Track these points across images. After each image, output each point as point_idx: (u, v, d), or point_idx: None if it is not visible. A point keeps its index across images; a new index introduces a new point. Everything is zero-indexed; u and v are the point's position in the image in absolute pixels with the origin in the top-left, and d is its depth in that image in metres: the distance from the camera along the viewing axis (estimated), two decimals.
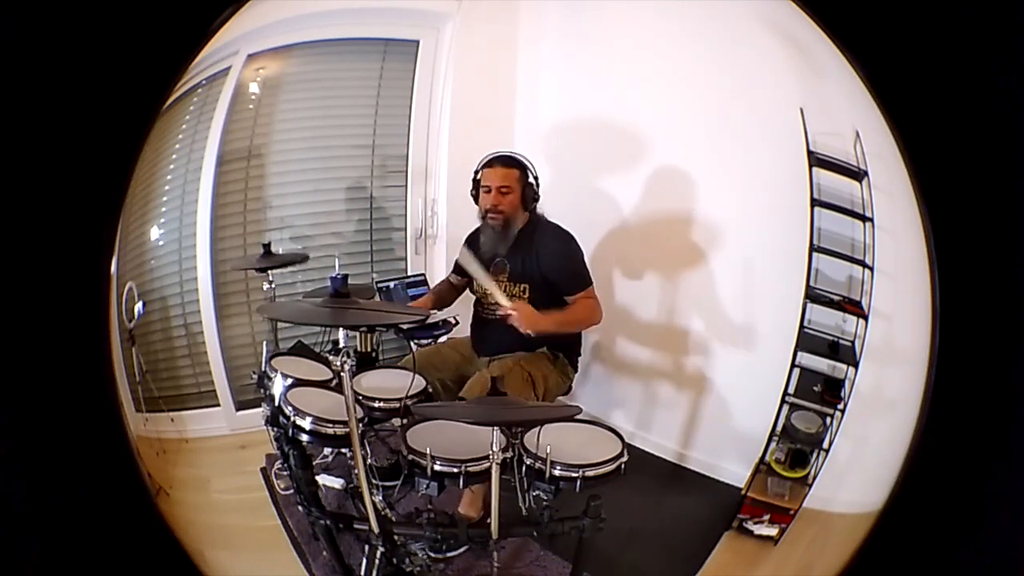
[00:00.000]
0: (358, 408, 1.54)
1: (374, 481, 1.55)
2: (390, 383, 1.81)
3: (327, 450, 1.78)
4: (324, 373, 1.80)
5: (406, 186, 2.36)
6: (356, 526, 1.54)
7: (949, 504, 1.25)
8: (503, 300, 1.91)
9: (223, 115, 2.01)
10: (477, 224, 2.10)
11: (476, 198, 2.05)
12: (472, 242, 2.11)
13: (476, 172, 2.04)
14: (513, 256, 2.01)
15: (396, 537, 1.52)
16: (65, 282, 1.16)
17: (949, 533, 1.25)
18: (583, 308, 1.98)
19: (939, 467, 1.27)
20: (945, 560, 1.25)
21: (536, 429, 1.53)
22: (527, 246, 2.00)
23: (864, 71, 1.28)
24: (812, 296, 1.74)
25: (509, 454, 1.48)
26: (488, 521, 1.46)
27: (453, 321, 2.23)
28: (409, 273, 2.40)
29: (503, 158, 1.99)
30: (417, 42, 2.30)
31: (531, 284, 1.99)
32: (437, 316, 2.24)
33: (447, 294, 2.21)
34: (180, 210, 1.97)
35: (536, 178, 2.01)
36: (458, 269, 2.18)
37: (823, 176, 1.71)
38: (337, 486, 1.69)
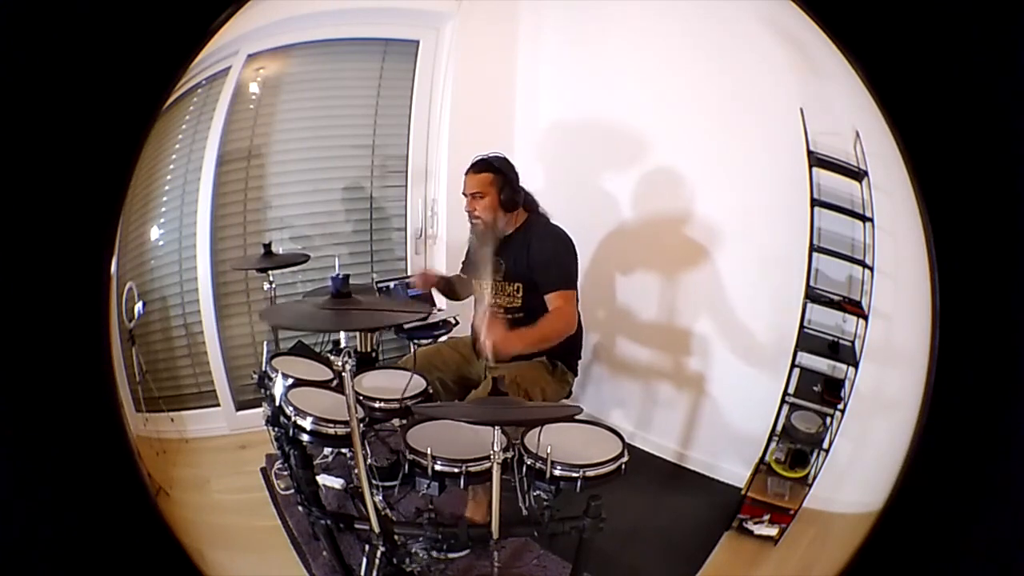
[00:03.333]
0: (359, 408, 1.54)
1: (374, 481, 1.55)
2: (390, 383, 1.81)
3: (327, 450, 1.78)
4: (325, 373, 1.80)
5: (406, 186, 2.36)
6: (356, 526, 1.54)
7: (949, 504, 1.25)
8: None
9: (223, 115, 2.01)
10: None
11: None
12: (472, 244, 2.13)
13: None
14: (508, 255, 2.01)
15: (396, 537, 1.52)
16: (65, 282, 1.16)
17: (949, 533, 1.25)
18: (555, 318, 1.94)
19: (939, 467, 1.27)
20: (945, 560, 1.25)
21: (536, 429, 1.53)
22: (521, 245, 2.01)
23: (864, 71, 1.28)
24: (812, 296, 1.74)
25: (510, 454, 1.48)
26: (489, 521, 1.46)
27: (453, 321, 2.23)
28: (409, 273, 2.40)
29: (476, 164, 2.00)
30: (417, 42, 2.30)
31: (524, 283, 1.99)
32: (437, 316, 2.24)
33: (458, 285, 2.20)
34: (180, 210, 1.97)
35: (517, 178, 2.01)
36: (465, 268, 2.18)
37: (823, 176, 1.71)
38: (337, 486, 1.69)
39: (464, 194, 2.02)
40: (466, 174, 2.02)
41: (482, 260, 2.05)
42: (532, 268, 1.97)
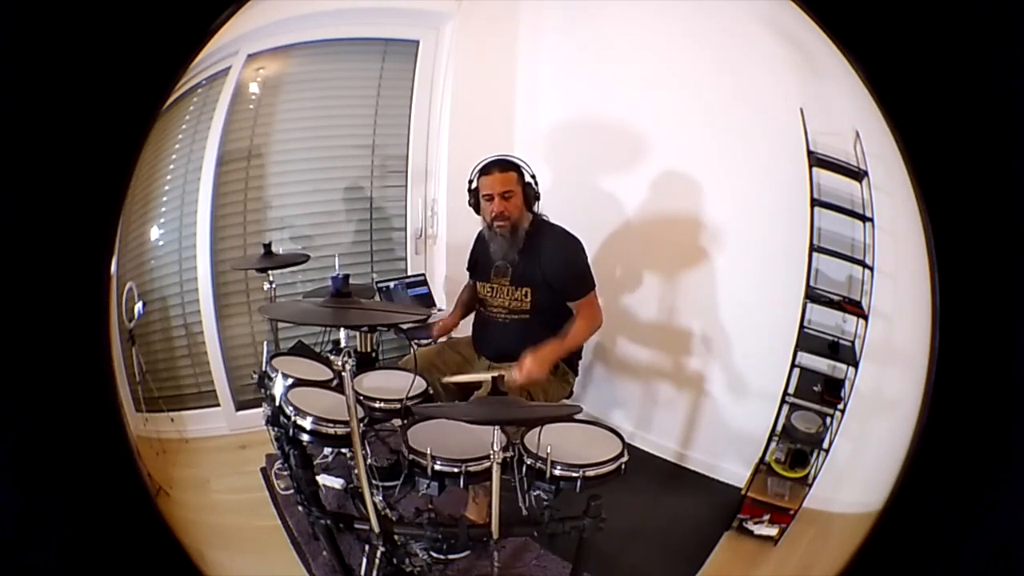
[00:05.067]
0: (359, 408, 1.55)
1: (374, 481, 1.55)
2: (390, 383, 1.81)
3: (327, 450, 1.78)
4: (325, 373, 1.80)
5: (406, 186, 2.37)
6: (356, 526, 1.54)
7: (949, 504, 1.25)
8: (510, 375, 1.76)
9: (223, 115, 2.01)
10: (478, 227, 2.09)
11: (476, 207, 2.02)
12: (482, 246, 2.09)
13: (471, 181, 2.00)
14: (517, 259, 1.99)
15: (396, 537, 1.52)
16: (65, 282, 1.16)
17: (949, 533, 1.25)
18: (584, 320, 1.95)
19: (939, 467, 1.27)
20: (945, 560, 1.25)
21: (536, 429, 1.53)
22: (531, 249, 1.98)
23: (864, 71, 1.28)
24: (812, 296, 1.74)
25: (509, 454, 1.48)
26: (489, 521, 1.46)
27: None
28: (409, 273, 2.40)
29: (499, 163, 1.95)
30: (417, 42, 2.30)
31: (533, 288, 1.97)
32: (437, 317, 2.24)
33: (472, 300, 2.15)
34: (180, 210, 1.97)
35: (533, 176, 1.99)
36: (471, 267, 2.16)
37: (823, 176, 1.71)
38: (337, 486, 1.69)
39: (486, 197, 1.96)
40: (486, 175, 1.95)
41: (496, 263, 2.01)
42: (547, 275, 1.93)
